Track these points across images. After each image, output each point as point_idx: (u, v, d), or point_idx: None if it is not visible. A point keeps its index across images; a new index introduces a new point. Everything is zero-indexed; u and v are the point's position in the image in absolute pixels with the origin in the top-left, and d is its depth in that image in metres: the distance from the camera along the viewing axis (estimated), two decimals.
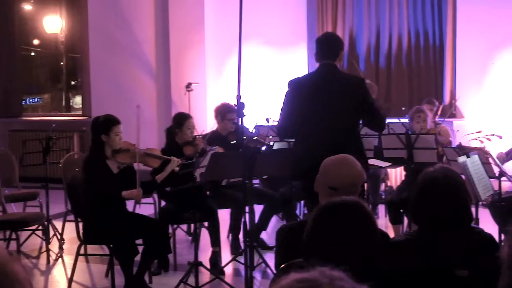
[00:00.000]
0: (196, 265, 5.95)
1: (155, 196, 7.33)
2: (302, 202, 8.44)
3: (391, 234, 6.87)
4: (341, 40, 5.76)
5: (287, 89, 5.53)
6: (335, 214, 2.54)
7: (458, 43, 10.71)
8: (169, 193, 6.66)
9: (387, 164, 7.25)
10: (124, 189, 5.99)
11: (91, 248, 6.81)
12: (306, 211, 8.34)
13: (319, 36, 5.90)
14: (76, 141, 11.80)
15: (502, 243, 5.34)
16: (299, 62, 11.38)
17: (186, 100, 10.61)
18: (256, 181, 8.08)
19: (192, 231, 7.45)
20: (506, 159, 6.91)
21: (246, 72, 9.47)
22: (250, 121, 8.34)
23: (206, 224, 6.98)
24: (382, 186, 9.58)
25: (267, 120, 8.85)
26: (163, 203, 6.96)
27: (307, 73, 9.54)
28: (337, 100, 5.35)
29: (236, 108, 5.32)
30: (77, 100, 13.52)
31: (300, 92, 5.47)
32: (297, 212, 8.27)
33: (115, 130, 6.01)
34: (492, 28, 10.40)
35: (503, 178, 6.24)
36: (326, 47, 5.54)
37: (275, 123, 8.69)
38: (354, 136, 5.44)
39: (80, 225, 6.18)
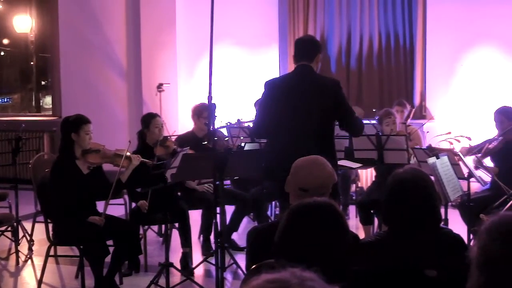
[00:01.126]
0: (167, 266, 5.94)
1: (126, 197, 7.30)
2: (274, 203, 8.46)
3: (362, 235, 6.90)
4: (319, 43, 5.76)
5: (261, 89, 5.55)
6: (306, 215, 2.55)
7: (428, 45, 10.80)
8: (140, 194, 6.63)
9: (358, 165, 7.29)
10: (94, 190, 5.97)
11: (61, 250, 6.76)
12: (277, 212, 8.36)
13: (298, 38, 5.92)
14: (46, 141, 11.71)
15: (471, 243, 5.40)
16: (270, 63, 11.39)
17: (157, 101, 10.57)
18: (227, 182, 8.07)
19: (163, 232, 7.44)
20: (467, 154, 6.96)
21: (218, 73, 9.46)
22: (222, 122, 8.33)
23: (177, 225, 6.96)
24: (353, 187, 9.62)
25: (238, 120, 8.85)
26: (134, 204, 6.93)
27: (283, 74, 9.56)
28: (311, 101, 5.35)
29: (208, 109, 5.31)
30: (47, 100, 13.42)
31: (275, 93, 5.49)
32: (268, 213, 8.28)
33: (85, 129, 5.98)
34: (461, 30, 10.50)
35: (472, 179, 6.30)
36: (302, 48, 5.56)
37: (247, 124, 8.72)
38: (327, 137, 5.45)
39: (50, 226, 6.13)
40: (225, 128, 8.48)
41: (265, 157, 5.66)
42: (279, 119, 5.43)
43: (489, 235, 2.30)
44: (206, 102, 5.14)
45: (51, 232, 6.09)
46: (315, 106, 5.35)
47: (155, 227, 7.92)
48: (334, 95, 5.40)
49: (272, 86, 5.54)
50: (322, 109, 5.35)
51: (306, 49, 5.54)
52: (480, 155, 7.09)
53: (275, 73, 11.11)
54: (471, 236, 5.97)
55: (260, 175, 6.44)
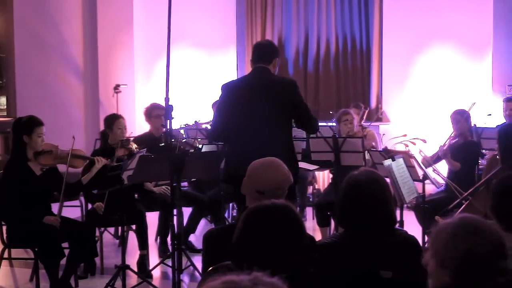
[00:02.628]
0: (123, 268, 5.90)
1: (82, 198, 7.23)
2: (231, 205, 8.46)
3: (319, 237, 6.94)
4: (276, 48, 5.80)
5: (219, 92, 5.56)
6: (263, 218, 2.55)
7: (384, 48, 10.91)
8: (96, 196, 6.58)
9: (315, 167, 7.32)
10: (48, 191, 5.91)
11: (15, 252, 6.67)
12: (235, 214, 8.36)
13: (256, 42, 5.97)
14: (0, 142, 11.55)
15: (426, 245, 5.46)
16: (228, 65, 11.40)
17: (114, 102, 10.51)
18: (185, 183, 8.05)
19: (119, 234, 7.38)
20: (431, 163, 7.06)
21: (175, 75, 9.44)
22: (179, 123, 8.31)
23: (134, 227, 6.93)
24: (310, 189, 9.66)
25: (196, 122, 8.83)
26: (89, 205, 6.87)
27: (241, 76, 9.57)
28: (268, 102, 5.36)
29: (163, 106, 5.30)
30: (2, 101, 13.21)
31: (232, 95, 5.49)
32: (226, 215, 8.27)
33: (38, 132, 5.91)
34: (416, 33, 10.64)
35: (427, 181, 6.37)
36: (260, 51, 5.58)
37: (204, 126, 8.71)
38: (285, 138, 5.46)
39: (4, 228, 6.05)
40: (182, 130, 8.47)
41: (226, 159, 5.66)
42: (237, 121, 5.43)
43: (450, 236, 2.35)
44: (163, 103, 5.12)
45: (4, 235, 6.01)
46: (272, 107, 5.35)
47: (112, 229, 7.86)
48: (291, 95, 5.42)
49: (229, 89, 5.55)
50: (279, 110, 5.36)
51: (263, 53, 5.57)
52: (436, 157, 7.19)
53: (232, 75, 11.13)
54: (426, 238, 6.04)
55: (217, 177, 6.44)
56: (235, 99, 5.46)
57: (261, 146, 5.09)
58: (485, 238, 2.32)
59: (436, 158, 7.20)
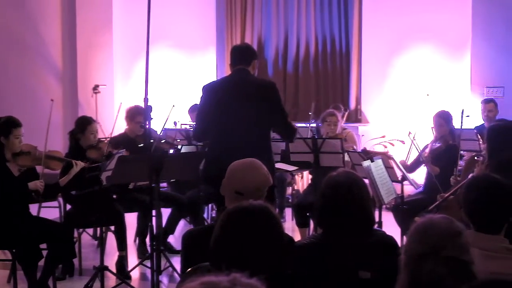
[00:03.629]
0: (101, 269, 5.88)
1: (60, 199, 7.20)
2: (210, 205, 8.46)
3: (298, 237, 6.95)
4: (254, 50, 5.83)
5: (199, 93, 5.58)
6: (241, 219, 2.55)
7: (363, 50, 10.96)
8: (74, 197, 6.55)
9: (294, 168, 7.34)
10: (26, 192, 5.87)
11: None
12: (214, 215, 8.36)
13: (233, 46, 6.01)
14: None
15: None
16: (207, 66, 11.40)
17: (93, 102, 10.46)
18: (164, 184, 8.04)
19: (98, 235, 7.35)
20: (408, 170, 7.10)
21: (155, 75, 9.42)
22: (158, 124, 8.29)
23: (112, 228, 6.90)
24: (289, 190, 9.68)
25: (175, 123, 8.82)
26: (68, 206, 6.84)
27: (220, 77, 9.58)
28: (247, 103, 5.39)
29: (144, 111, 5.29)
30: None
31: (212, 96, 5.51)
32: (205, 215, 8.27)
33: (15, 133, 5.87)
34: (395, 35, 10.69)
35: (405, 182, 6.41)
36: (239, 54, 5.63)
37: (183, 127, 8.70)
38: (263, 139, 5.48)
39: None
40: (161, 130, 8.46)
41: (206, 159, 5.67)
42: (217, 122, 5.45)
43: (411, 236, 2.39)
44: (142, 104, 5.11)
45: None
46: (251, 108, 5.38)
47: (90, 230, 7.82)
48: (269, 96, 5.45)
49: (209, 90, 5.57)
50: (258, 111, 5.39)
51: (242, 55, 5.61)
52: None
53: (212, 76, 11.13)
54: (404, 239, 6.06)
55: (196, 178, 6.44)
56: (215, 100, 5.48)
57: (239, 147, 5.12)
58: (428, 237, 2.36)
59: (416, 163, 7.21)
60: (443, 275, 2.27)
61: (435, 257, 2.30)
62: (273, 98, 5.48)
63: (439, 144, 7.17)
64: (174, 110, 8.31)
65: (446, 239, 2.35)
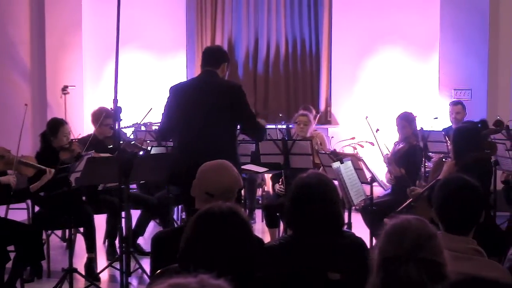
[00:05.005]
0: (70, 271, 5.84)
1: (29, 201, 7.14)
2: (180, 207, 8.44)
3: (268, 239, 6.97)
4: (225, 53, 5.83)
5: (168, 94, 5.58)
6: (211, 221, 2.55)
7: (333, 51, 11.01)
8: (43, 198, 6.50)
9: (264, 169, 7.35)
10: None
11: None
12: (183, 216, 8.34)
13: (206, 47, 6.02)
14: None
15: (373, 246, 5.52)
16: (178, 68, 11.37)
17: (62, 103, 10.39)
18: (133, 186, 8.01)
19: (67, 236, 7.30)
20: (389, 162, 7.14)
21: (125, 76, 9.37)
22: (129, 125, 8.27)
23: (81, 229, 6.86)
24: (259, 191, 9.69)
25: (145, 124, 8.79)
26: (37, 208, 6.79)
27: (188, 79, 9.57)
28: (211, 105, 5.41)
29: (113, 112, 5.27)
30: None
31: (178, 97, 5.53)
32: (175, 217, 8.25)
33: None
34: (364, 36, 10.76)
35: (374, 184, 6.45)
36: (209, 56, 5.65)
37: (154, 128, 8.68)
38: (229, 141, 5.49)
39: None
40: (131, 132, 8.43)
41: (173, 160, 5.67)
42: (182, 123, 5.46)
43: (386, 237, 2.40)
44: (111, 105, 5.09)
45: None
46: (215, 110, 5.40)
47: (59, 232, 7.78)
48: (235, 98, 5.46)
49: (176, 91, 5.60)
50: (223, 112, 5.41)
51: (212, 57, 5.64)
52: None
53: (182, 78, 11.10)
54: (374, 240, 6.11)
55: (166, 179, 6.43)
56: (181, 101, 5.50)
57: (203, 148, 5.13)
58: (405, 239, 2.37)
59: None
60: (418, 277, 2.29)
61: (411, 259, 2.31)
62: (239, 100, 5.49)
63: (402, 145, 7.24)
64: (144, 111, 8.29)
65: (423, 241, 2.37)
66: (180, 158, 5.38)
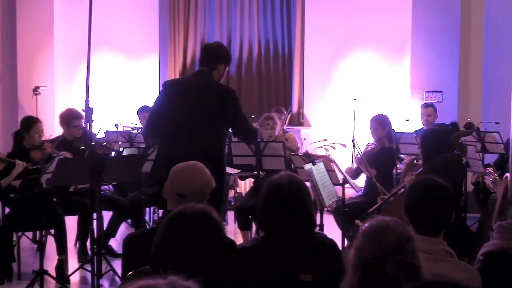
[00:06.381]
0: (41, 273, 5.81)
1: None
2: (152, 208, 8.42)
3: (240, 240, 6.97)
4: (224, 54, 5.66)
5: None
6: (183, 223, 2.55)
7: (306, 53, 11.04)
8: (13, 200, 6.46)
9: (237, 171, 7.35)
10: None
11: None
12: (155, 218, 8.32)
13: (206, 43, 5.95)
14: None
15: (346, 247, 5.55)
16: (150, 70, 11.34)
17: (33, 104, 10.31)
18: (105, 187, 7.97)
19: (37, 238, 7.26)
20: (353, 176, 7.19)
21: (97, 78, 9.33)
22: (99, 127, 8.22)
23: (52, 231, 6.82)
24: (232, 193, 9.68)
25: (116, 125, 8.75)
26: (7, 210, 6.73)
27: (163, 81, 9.54)
28: (199, 106, 5.34)
29: (82, 113, 5.25)
30: None
31: (171, 94, 5.47)
32: (146, 218, 8.23)
33: None
34: (337, 38, 10.81)
35: (346, 185, 6.48)
36: (205, 54, 5.58)
37: (125, 129, 8.65)
38: (216, 142, 5.45)
39: None
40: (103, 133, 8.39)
41: (157, 158, 5.64)
42: (172, 121, 5.39)
43: (364, 238, 2.41)
44: (83, 106, 5.06)
45: None
46: (202, 111, 5.33)
47: (30, 234, 7.72)
48: (224, 105, 5.39)
49: (169, 87, 5.56)
50: (208, 115, 5.33)
51: (208, 56, 5.55)
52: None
53: (155, 80, 11.09)
54: (346, 241, 6.14)
55: (138, 180, 6.42)
56: (171, 98, 5.44)
57: (190, 149, 5.07)
58: (385, 240, 2.39)
59: (359, 169, 7.29)
60: (396, 279, 2.30)
61: (390, 260, 2.33)
62: (230, 107, 5.42)
63: (374, 145, 7.29)
64: (115, 112, 8.26)
65: (402, 243, 2.38)
66: (166, 157, 5.33)
